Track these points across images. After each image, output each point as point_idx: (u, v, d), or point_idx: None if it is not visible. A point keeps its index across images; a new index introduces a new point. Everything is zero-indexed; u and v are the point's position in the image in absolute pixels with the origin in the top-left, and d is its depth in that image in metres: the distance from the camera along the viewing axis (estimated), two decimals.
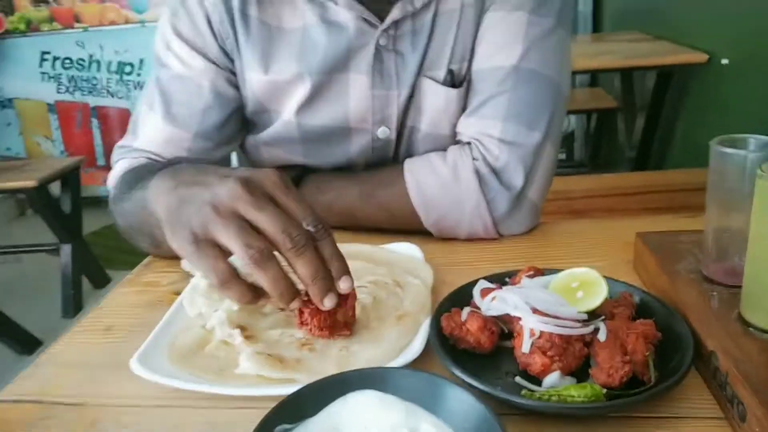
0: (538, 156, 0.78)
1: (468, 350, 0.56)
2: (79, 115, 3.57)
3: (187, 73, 0.82)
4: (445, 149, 0.82)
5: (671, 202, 1.74)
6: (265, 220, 0.50)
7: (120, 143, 0.88)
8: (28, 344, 2.35)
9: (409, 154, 0.85)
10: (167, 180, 0.59)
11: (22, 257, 3.10)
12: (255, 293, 0.53)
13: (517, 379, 0.52)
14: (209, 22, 0.80)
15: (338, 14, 0.78)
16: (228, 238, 0.50)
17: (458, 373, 0.50)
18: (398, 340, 0.58)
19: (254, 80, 0.82)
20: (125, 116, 3.56)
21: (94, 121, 3.58)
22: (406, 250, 0.75)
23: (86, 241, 2.75)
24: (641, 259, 0.69)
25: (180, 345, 0.60)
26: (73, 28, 3.46)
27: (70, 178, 2.63)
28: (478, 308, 0.58)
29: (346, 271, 0.55)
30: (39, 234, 3.00)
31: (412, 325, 0.60)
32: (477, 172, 0.77)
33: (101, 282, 2.84)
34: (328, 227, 0.54)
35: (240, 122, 0.87)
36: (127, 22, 3.43)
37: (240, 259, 0.51)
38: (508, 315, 0.57)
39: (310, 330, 0.58)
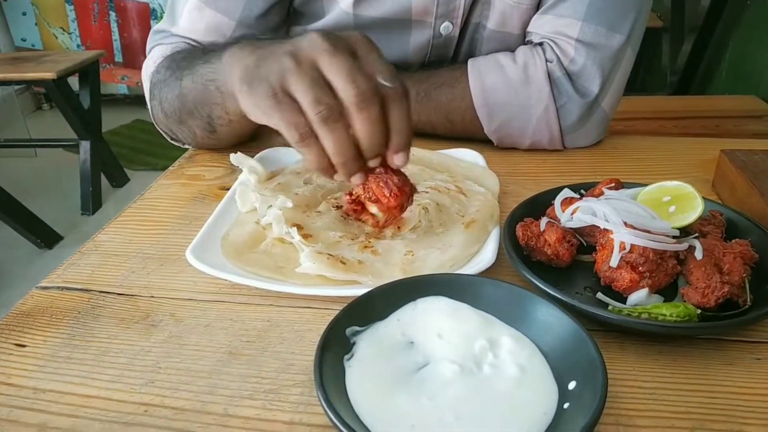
0: (617, 61, 0.72)
1: (542, 263, 0.52)
2: (96, 7, 3.43)
3: None
4: (511, 51, 0.75)
5: (716, 129, 1.66)
6: (338, 67, 0.46)
7: (156, 28, 0.82)
8: (48, 238, 2.35)
9: (471, 55, 0.78)
10: (245, 48, 0.54)
11: (39, 152, 3.08)
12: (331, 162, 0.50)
13: (599, 295, 0.48)
14: None
15: None
16: (301, 89, 0.47)
17: (539, 284, 0.47)
18: (466, 247, 0.54)
19: None
20: (144, 11, 3.41)
21: (112, 15, 3.44)
22: (468, 156, 0.70)
23: (105, 138, 2.70)
24: (726, 178, 0.64)
25: (234, 240, 0.57)
26: None
27: (89, 72, 2.54)
28: (556, 219, 0.54)
29: (406, 146, 0.50)
30: (55, 130, 2.96)
31: (481, 232, 0.56)
32: (549, 75, 0.71)
33: (120, 180, 2.82)
34: (407, 90, 0.49)
35: (285, 11, 0.81)
36: None
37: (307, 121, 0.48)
38: (588, 227, 0.52)
39: (375, 220, 0.55)
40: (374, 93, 0.47)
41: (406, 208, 0.55)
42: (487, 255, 0.52)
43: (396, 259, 0.53)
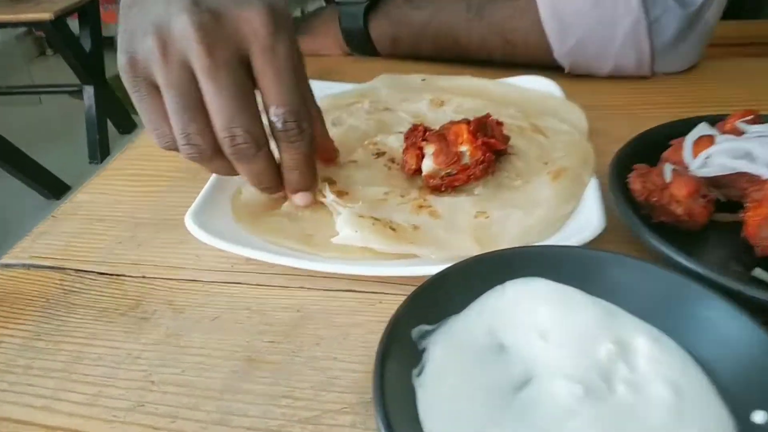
0: None
1: (665, 226, 0.38)
2: None
3: None
4: None
5: None
6: (213, 99, 0.34)
7: None
8: (56, 189, 2.25)
9: None
10: None
11: (43, 99, 2.94)
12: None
13: (757, 271, 0.35)
14: None
15: None
16: (167, 100, 0.34)
17: (684, 261, 0.33)
18: (559, 205, 0.40)
19: None
20: None
21: None
22: (537, 85, 0.55)
23: (109, 83, 2.56)
24: None
25: (248, 199, 0.44)
26: None
27: (89, 12, 2.37)
28: (682, 164, 0.40)
29: (306, 185, 0.40)
30: (60, 74, 2.82)
31: (575, 184, 0.42)
32: None
33: (127, 127, 2.69)
34: (305, 124, 0.36)
35: None
36: None
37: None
38: (726, 177, 0.38)
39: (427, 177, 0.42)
40: (258, 144, 0.35)
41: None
42: (592, 217, 0.38)
43: (464, 222, 0.39)
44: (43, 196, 2.25)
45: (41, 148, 2.36)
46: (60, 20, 2.21)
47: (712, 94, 0.58)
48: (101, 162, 2.46)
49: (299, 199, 0.40)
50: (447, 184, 0.42)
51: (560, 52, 0.59)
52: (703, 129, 0.39)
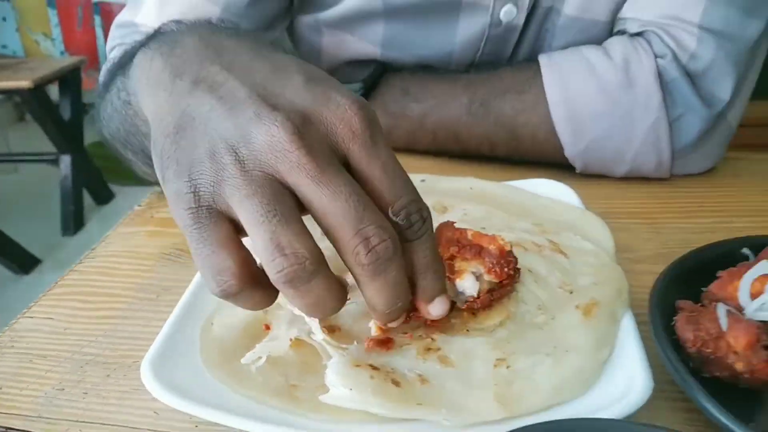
0: (753, 58, 0.52)
1: (719, 381, 0.32)
2: (80, 12, 3.23)
3: None
4: (596, 44, 0.55)
5: None
6: (327, 202, 0.28)
7: (118, 20, 0.61)
8: (25, 263, 2.16)
9: (535, 53, 0.58)
10: (157, 59, 0.33)
11: (20, 167, 2.87)
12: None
13: None
14: None
15: None
16: (251, 215, 0.27)
17: None
18: (593, 351, 0.34)
19: None
20: None
21: (97, 19, 3.24)
22: (553, 191, 0.50)
23: (88, 151, 2.50)
24: None
25: (220, 334, 0.36)
26: None
27: (70, 80, 2.35)
28: (733, 303, 0.34)
29: (443, 287, 0.32)
30: (38, 142, 2.76)
31: (609, 323, 0.35)
32: (661, 77, 0.51)
33: (103, 197, 2.62)
34: (426, 212, 0.31)
35: None
36: None
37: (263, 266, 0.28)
38: None
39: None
40: (394, 244, 0.28)
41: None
42: (635, 374, 0.31)
43: (482, 373, 0.33)
44: (11, 271, 2.15)
45: (13, 218, 2.27)
46: (39, 88, 2.17)
47: (737, 199, 0.53)
48: (74, 234, 2.37)
49: (437, 307, 0.33)
50: (484, 303, 0.35)
51: (573, 151, 0.55)
52: (763, 268, 0.34)
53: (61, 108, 2.37)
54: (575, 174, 0.57)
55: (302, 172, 0.27)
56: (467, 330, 0.36)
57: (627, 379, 0.32)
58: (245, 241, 0.29)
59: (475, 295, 0.35)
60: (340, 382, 0.31)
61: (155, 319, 0.37)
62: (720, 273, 0.36)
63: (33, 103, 2.21)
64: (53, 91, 2.36)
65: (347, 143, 0.29)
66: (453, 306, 0.35)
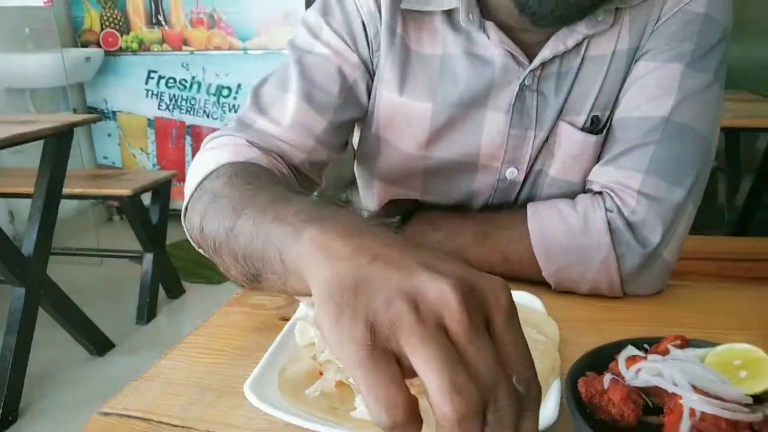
0: (679, 214, 0.72)
1: (605, 422, 0.50)
2: (175, 132, 3.72)
3: (335, 59, 0.77)
4: (570, 197, 0.77)
5: None
6: (475, 359, 0.32)
7: (241, 115, 0.78)
8: (101, 346, 2.40)
9: (531, 199, 0.81)
10: (335, 236, 0.38)
11: (105, 261, 3.21)
12: None
13: None
14: (364, 28, 0.77)
15: (486, 49, 0.75)
16: (426, 358, 0.32)
17: None
18: None
19: (387, 98, 0.79)
20: None
21: (188, 139, 3.71)
22: (526, 300, 0.70)
23: (167, 252, 2.82)
24: None
25: (290, 376, 0.57)
26: (180, 50, 3.62)
27: (161, 190, 2.71)
28: (620, 375, 0.53)
29: None
30: (122, 241, 3.11)
31: (542, 385, 0.54)
32: (609, 224, 0.72)
33: (176, 292, 2.90)
34: (539, 391, 0.36)
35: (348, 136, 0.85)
36: (230, 48, 3.56)
37: (431, 404, 0.32)
38: (654, 387, 0.51)
39: None
40: (515, 406, 0.33)
41: None
42: (549, 411, 0.50)
43: None
44: (87, 351, 2.39)
45: (94, 306, 2.54)
46: (136, 195, 2.53)
47: (667, 315, 0.71)
48: (147, 323, 2.63)
49: None
50: None
51: (547, 272, 0.75)
52: (630, 351, 0.53)
53: (151, 212, 2.71)
54: (551, 290, 0.76)
55: (461, 327, 0.32)
56: None
57: (543, 414, 0.50)
58: None
59: None
60: (363, 404, 0.51)
61: (248, 367, 0.57)
62: (616, 355, 0.54)
63: (129, 207, 2.56)
64: (144, 197, 2.71)
65: (493, 311, 0.34)
66: None
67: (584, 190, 0.78)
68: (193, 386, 0.59)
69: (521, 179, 0.81)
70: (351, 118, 0.81)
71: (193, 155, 3.57)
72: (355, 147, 0.92)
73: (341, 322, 0.33)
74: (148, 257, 2.67)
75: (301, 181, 0.80)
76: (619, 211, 0.72)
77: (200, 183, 0.65)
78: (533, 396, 0.35)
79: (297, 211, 0.44)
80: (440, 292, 0.33)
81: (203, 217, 0.59)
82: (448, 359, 0.32)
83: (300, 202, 0.46)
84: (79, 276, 3.01)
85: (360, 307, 0.33)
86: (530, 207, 0.77)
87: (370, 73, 0.80)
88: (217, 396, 0.57)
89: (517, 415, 0.33)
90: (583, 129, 0.76)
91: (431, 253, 0.37)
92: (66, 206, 3.09)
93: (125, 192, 2.47)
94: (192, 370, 0.62)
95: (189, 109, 3.66)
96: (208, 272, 3.02)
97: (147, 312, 2.66)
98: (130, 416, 0.55)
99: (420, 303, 0.33)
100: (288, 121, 0.76)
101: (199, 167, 0.69)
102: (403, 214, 0.84)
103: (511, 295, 0.36)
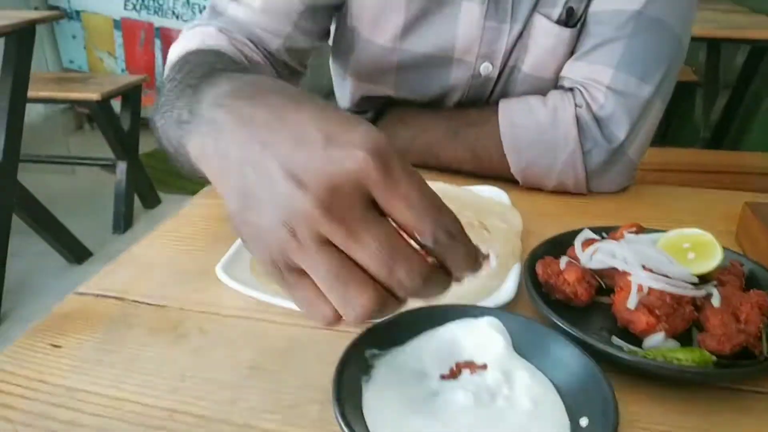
0: (646, 111, 0.73)
1: (561, 301, 0.53)
2: (143, 34, 3.57)
3: None
4: (543, 94, 0.77)
5: (748, 185, 1.65)
6: (361, 258, 0.32)
7: (214, 3, 0.77)
8: (79, 254, 2.41)
9: (504, 96, 0.81)
10: (228, 120, 0.36)
11: (77, 170, 3.17)
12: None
13: (614, 338, 0.49)
14: None
15: None
16: (317, 279, 0.33)
17: (557, 321, 0.48)
18: (487, 281, 0.55)
19: None
20: None
21: (157, 42, 3.57)
22: (492, 193, 0.72)
23: (141, 160, 2.78)
24: (748, 230, 0.65)
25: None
26: None
27: (131, 95, 2.64)
28: (576, 259, 0.55)
29: (474, 264, 0.36)
30: (93, 149, 3.05)
31: (502, 268, 0.57)
32: (578, 120, 0.73)
33: (152, 202, 2.89)
34: (455, 229, 0.34)
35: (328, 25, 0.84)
36: None
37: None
38: (607, 270, 0.54)
39: None
40: (427, 269, 0.33)
41: None
42: (507, 289, 0.53)
43: None
44: (65, 259, 2.40)
45: (69, 215, 2.53)
46: (105, 101, 2.46)
47: (629, 211, 0.74)
48: (123, 232, 2.64)
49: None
50: None
51: (515, 168, 0.76)
52: (586, 234, 0.55)
53: (122, 120, 2.65)
54: (519, 186, 0.78)
55: (336, 238, 0.32)
56: None
57: (503, 293, 0.53)
58: None
59: None
60: None
61: (220, 252, 0.59)
62: (574, 242, 0.57)
63: (99, 113, 2.50)
64: (115, 105, 2.64)
65: (372, 190, 0.32)
66: None
67: (557, 87, 0.79)
68: (166, 269, 0.61)
69: (495, 75, 0.80)
70: (328, 2, 0.79)
71: (164, 60, 3.47)
72: (331, 44, 0.91)
73: (248, 246, 0.35)
74: (122, 166, 2.64)
75: (281, 70, 0.79)
76: (588, 106, 0.73)
77: (166, 77, 0.56)
78: (443, 243, 0.33)
79: (200, 91, 0.41)
80: (305, 211, 0.31)
81: (155, 113, 0.53)
82: (334, 274, 0.32)
83: (222, 85, 0.40)
84: (52, 185, 2.97)
85: (254, 237, 0.34)
86: (502, 102, 0.77)
87: None
88: (190, 278, 0.59)
89: (426, 278, 0.33)
90: (558, 22, 0.75)
91: (299, 139, 0.33)
92: (32, 111, 3.00)
93: (94, 96, 2.40)
94: (166, 255, 0.63)
95: (157, 9, 3.48)
96: (185, 182, 3.00)
97: (123, 221, 2.65)
98: (105, 296, 0.56)
99: (294, 225, 0.32)
100: (259, 4, 0.74)
101: (168, 61, 0.69)
102: (376, 111, 0.84)
103: (380, 154, 0.32)
